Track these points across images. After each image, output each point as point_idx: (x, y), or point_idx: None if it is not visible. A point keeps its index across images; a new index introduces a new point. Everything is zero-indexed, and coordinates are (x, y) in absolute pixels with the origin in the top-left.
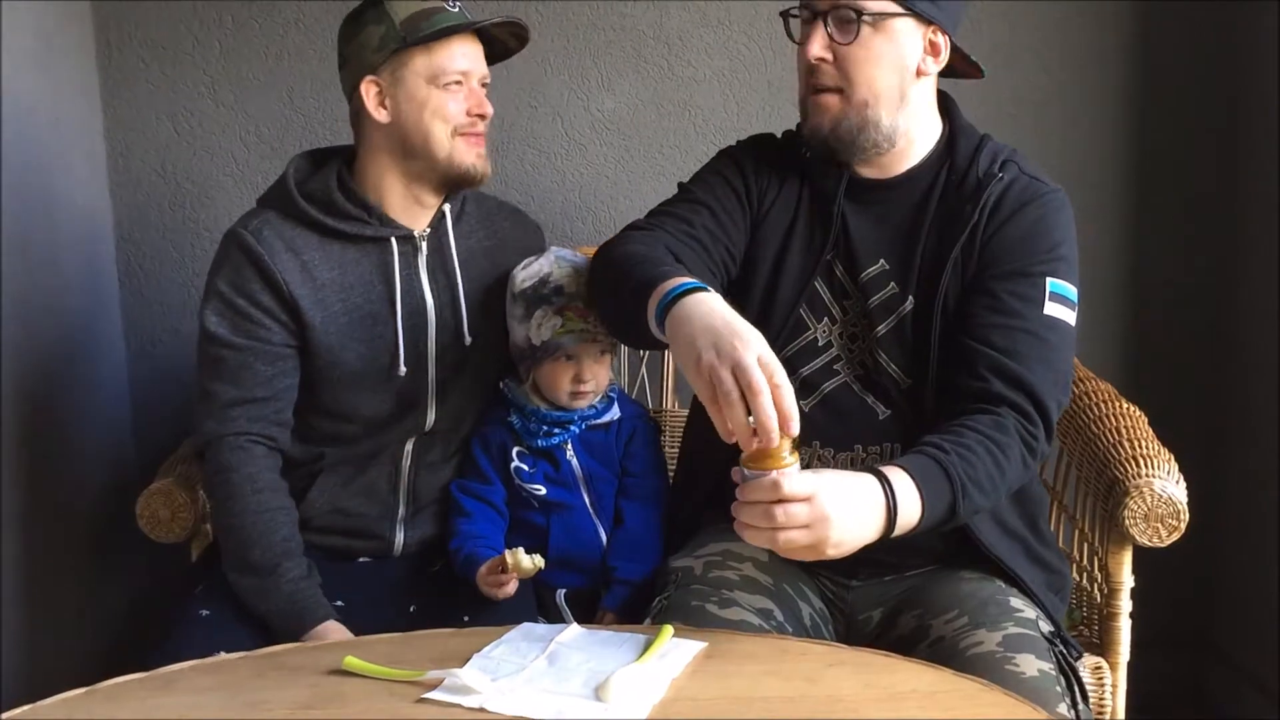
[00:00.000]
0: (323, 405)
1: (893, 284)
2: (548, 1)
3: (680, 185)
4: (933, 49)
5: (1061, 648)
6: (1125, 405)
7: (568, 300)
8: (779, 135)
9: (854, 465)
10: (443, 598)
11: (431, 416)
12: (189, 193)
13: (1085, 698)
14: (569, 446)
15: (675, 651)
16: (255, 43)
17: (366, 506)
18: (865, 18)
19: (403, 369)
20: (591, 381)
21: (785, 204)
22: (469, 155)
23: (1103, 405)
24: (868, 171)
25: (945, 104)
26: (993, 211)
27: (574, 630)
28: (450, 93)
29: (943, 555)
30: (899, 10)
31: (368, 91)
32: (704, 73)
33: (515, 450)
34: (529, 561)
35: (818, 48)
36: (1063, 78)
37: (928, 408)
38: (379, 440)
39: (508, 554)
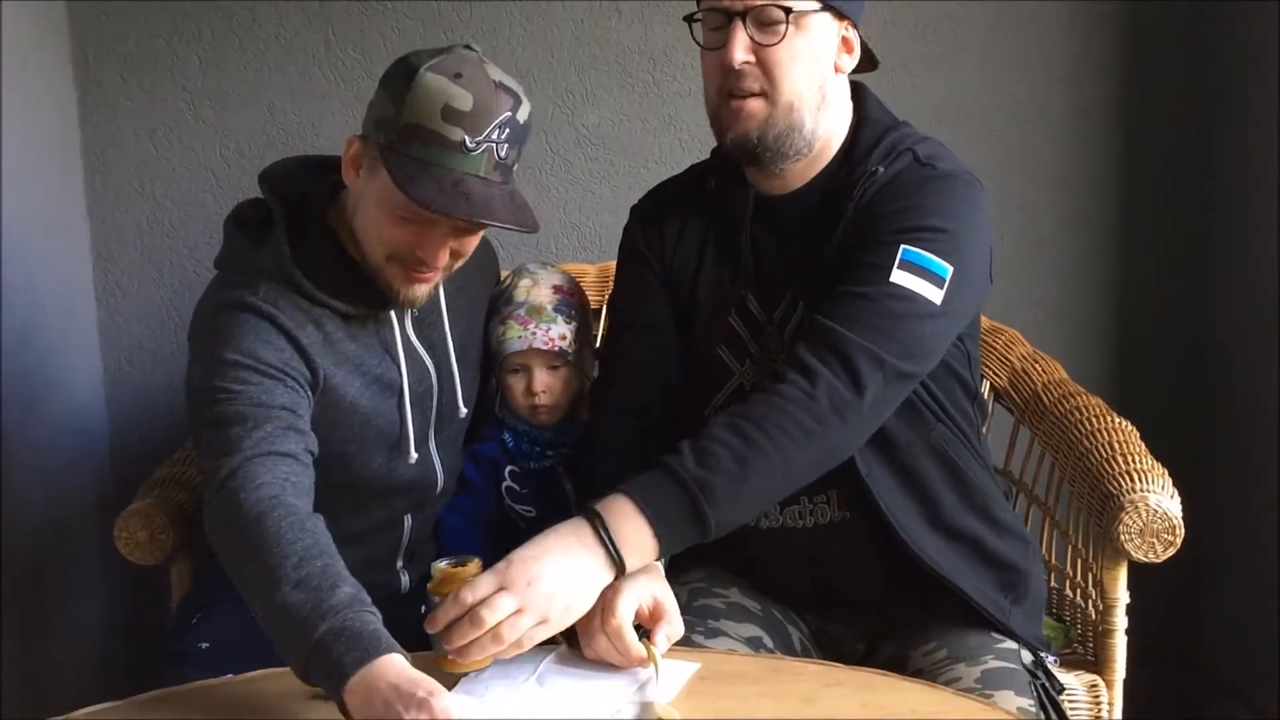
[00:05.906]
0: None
1: (801, 305)
2: (532, 18)
3: (607, 307)
4: (846, 45)
5: (1044, 680)
6: (1117, 420)
7: (514, 309)
8: (689, 168)
9: (802, 519)
10: None
11: (440, 486)
12: (168, 210)
13: None
14: (562, 470)
15: (668, 673)
16: (235, 57)
17: (363, 571)
18: (790, 15)
19: (413, 456)
20: (545, 394)
21: (690, 243)
22: (398, 280)
23: (1094, 420)
24: (774, 187)
25: (857, 94)
26: (870, 200)
27: (561, 651)
28: (403, 224)
29: (906, 586)
30: (817, 6)
31: (349, 145)
32: (688, 88)
33: (508, 469)
34: None
35: (741, 51)
36: (1046, 91)
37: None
38: (382, 515)
39: None
